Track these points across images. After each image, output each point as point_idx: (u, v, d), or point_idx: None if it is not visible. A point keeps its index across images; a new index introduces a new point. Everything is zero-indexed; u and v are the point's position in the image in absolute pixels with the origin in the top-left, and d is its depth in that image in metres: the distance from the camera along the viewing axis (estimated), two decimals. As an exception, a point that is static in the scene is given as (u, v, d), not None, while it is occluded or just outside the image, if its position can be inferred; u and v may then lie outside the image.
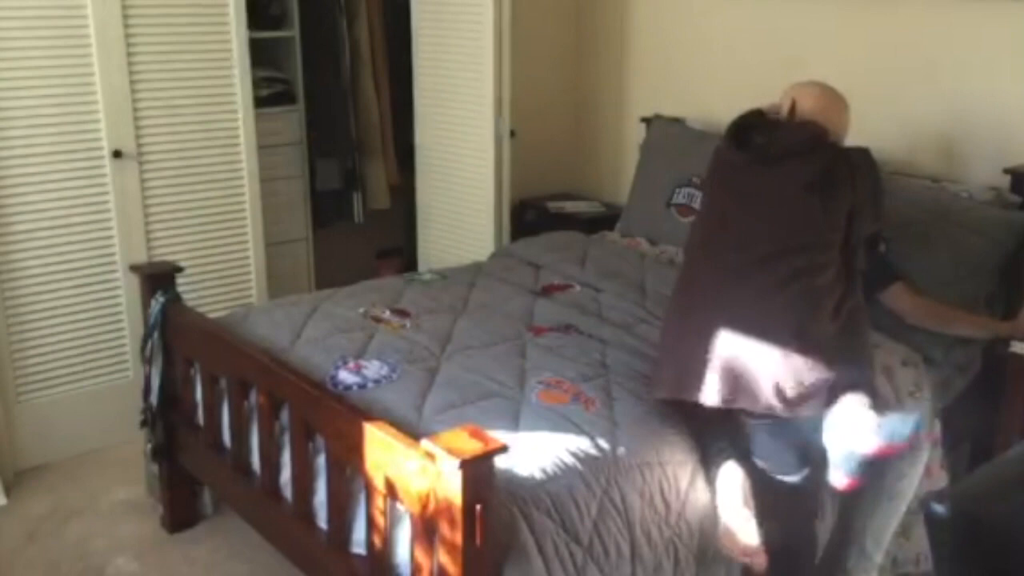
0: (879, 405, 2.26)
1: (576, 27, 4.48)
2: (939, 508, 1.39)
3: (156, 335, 2.76)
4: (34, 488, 3.18)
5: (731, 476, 2.19)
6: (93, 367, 3.36)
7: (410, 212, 4.35)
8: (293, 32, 4.09)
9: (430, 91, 4.03)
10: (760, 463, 2.23)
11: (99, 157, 3.26)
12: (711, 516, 2.24)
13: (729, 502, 2.17)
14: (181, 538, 2.92)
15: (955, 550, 1.40)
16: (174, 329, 2.75)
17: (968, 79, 3.16)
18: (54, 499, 3.11)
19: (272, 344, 2.65)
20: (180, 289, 2.86)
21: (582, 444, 2.13)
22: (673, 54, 4.08)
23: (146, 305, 2.80)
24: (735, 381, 2.17)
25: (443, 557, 1.79)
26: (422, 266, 4.19)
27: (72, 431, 3.34)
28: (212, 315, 3.00)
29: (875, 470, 2.39)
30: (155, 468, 2.96)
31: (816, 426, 2.21)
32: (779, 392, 2.14)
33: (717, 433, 2.27)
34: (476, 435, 1.77)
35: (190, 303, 2.93)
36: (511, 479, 1.98)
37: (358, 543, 2.11)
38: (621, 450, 2.15)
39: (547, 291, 3.15)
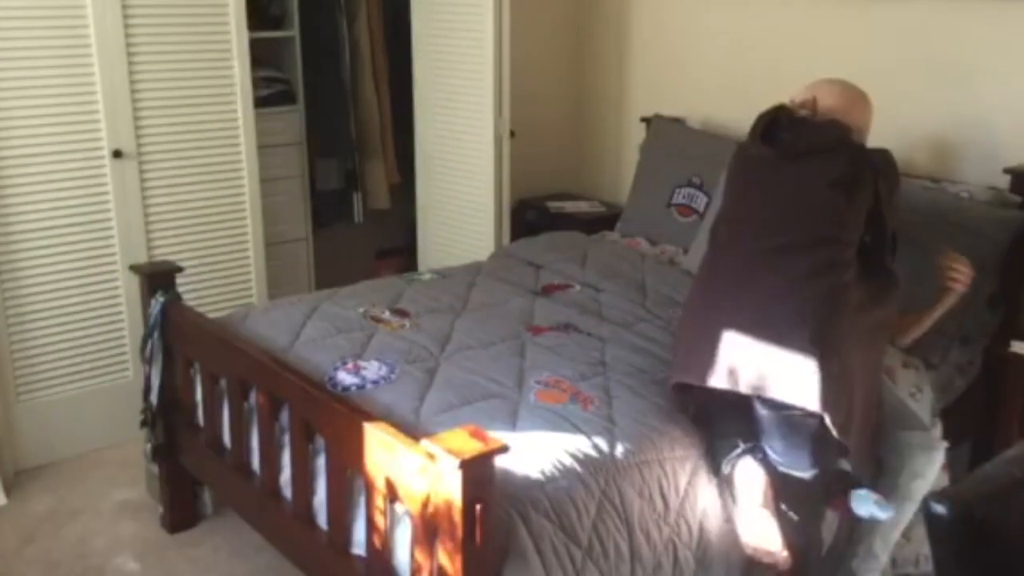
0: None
1: (576, 27, 4.48)
2: (939, 508, 1.39)
3: (156, 335, 2.77)
4: (34, 488, 3.18)
5: (750, 476, 2.18)
6: (93, 367, 3.36)
7: (410, 212, 4.35)
8: (293, 32, 4.09)
9: (430, 91, 4.03)
10: (774, 456, 2.22)
11: (99, 157, 3.26)
12: (711, 514, 2.24)
13: (748, 503, 2.16)
14: (181, 538, 2.92)
15: (955, 550, 1.40)
16: (174, 329, 2.75)
17: (968, 79, 3.16)
18: (54, 499, 3.11)
19: (271, 344, 2.65)
20: (180, 289, 2.86)
21: (580, 444, 2.13)
22: (673, 54, 4.08)
23: (146, 305, 2.80)
24: (763, 371, 2.16)
25: (443, 557, 1.79)
26: (422, 266, 4.19)
27: (72, 431, 3.34)
28: (212, 315, 3.00)
29: (888, 469, 2.41)
30: (155, 468, 2.96)
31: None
32: (802, 381, 2.13)
33: (728, 428, 2.26)
34: (476, 435, 1.77)
35: (190, 303, 2.93)
36: (509, 480, 1.98)
37: (358, 543, 2.11)
38: (619, 449, 2.15)
39: (547, 291, 3.15)
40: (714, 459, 2.26)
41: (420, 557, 1.87)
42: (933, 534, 1.42)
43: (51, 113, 3.14)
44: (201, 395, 2.70)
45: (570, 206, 4.31)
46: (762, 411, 2.20)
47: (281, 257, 4.12)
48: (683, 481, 2.20)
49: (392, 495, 1.93)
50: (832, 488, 2.26)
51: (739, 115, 2.57)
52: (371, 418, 2.02)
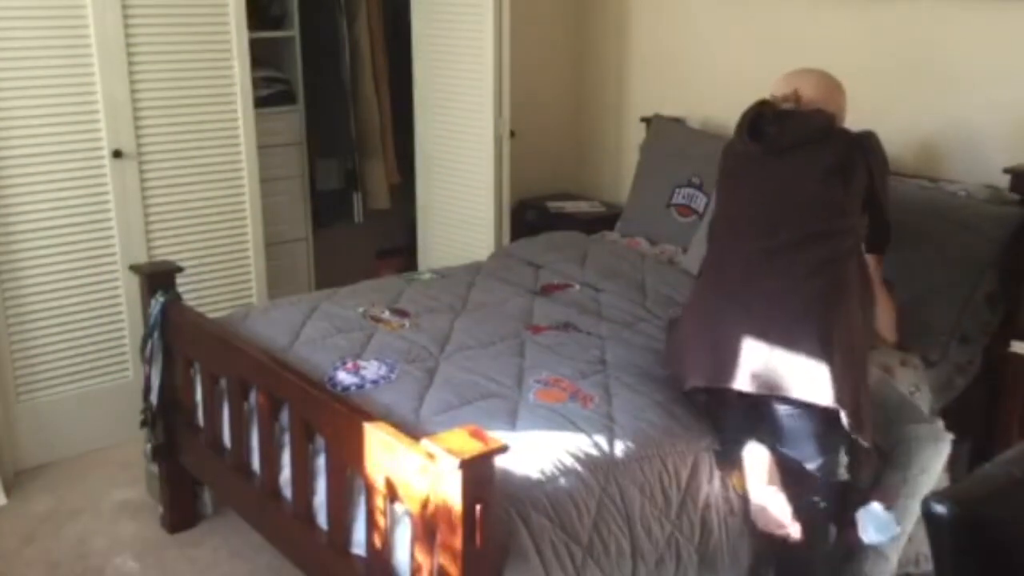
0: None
1: (576, 27, 4.48)
2: (939, 508, 1.39)
3: (156, 335, 2.77)
4: (34, 488, 3.18)
5: (755, 456, 2.21)
6: (93, 367, 3.36)
7: (410, 212, 4.35)
8: (293, 32, 4.09)
9: (430, 91, 4.03)
10: (784, 450, 2.23)
11: (99, 157, 3.26)
12: (713, 509, 2.24)
13: (755, 481, 2.19)
14: (181, 538, 2.92)
15: (955, 550, 1.40)
16: (174, 329, 2.75)
17: (967, 79, 3.16)
18: (54, 499, 3.11)
19: (271, 344, 2.65)
20: (180, 289, 2.86)
21: (580, 443, 2.13)
22: (673, 54, 4.09)
23: (146, 305, 2.80)
24: (773, 369, 2.16)
25: (443, 557, 1.79)
26: (422, 266, 4.19)
27: (72, 431, 3.34)
28: (212, 315, 3.00)
29: (896, 464, 2.41)
30: (155, 468, 2.96)
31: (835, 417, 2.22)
32: (818, 379, 2.14)
33: (734, 423, 2.27)
34: (476, 435, 1.77)
35: (190, 303, 2.93)
36: (509, 480, 1.98)
37: (358, 543, 2.11)
38: (619, 446, 2.15)
39: (547, 291, 3.16)
40: (721, 449, 2.27)
41: (420, 557, 1.87)
42: (933, 534, 1.42)
43: (51, 113, 3.14)
44: (201, 395, 2.70)
45: (570, 206, 4.31)
46: (778, 410, 2.21)
47: (281, 257, 4.12)
48: (684, 476, 2.21)
49: (392, 495, 1.93)
50: (841, 507, 2.27)
51: (739, 115, 2.57)
52: (371, 418, 2.02)
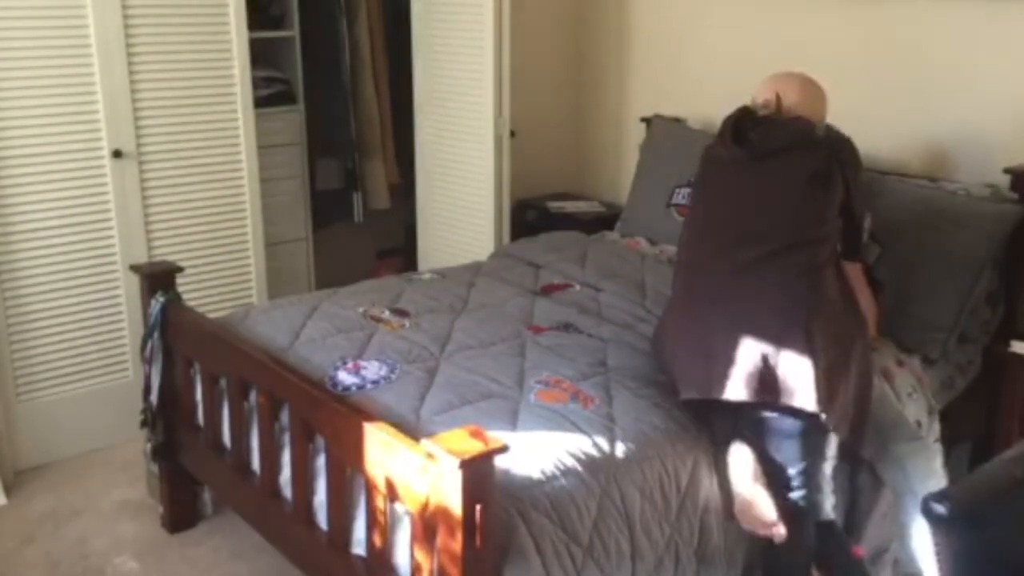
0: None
1: (576, 27, 4.48)
2: (939, 508, 1.39)
3: (156, 335, 2.76)
4: (34, 488, 3.18)
5: (739, 455, 2.22)
6: (93, 367, 3.36)
7: (410, 212, 4.35)
8: (293, 32, 4.09)
9: (430, 91, 4.03)
10: (772, 453, 2.24)
11: (99, 157, 3.26)
12: (712, 511, 2.24)
13: (740, 480, 2.20)
14: (181, 538, 2.92)
15: (955, 550, 1.40)
16: (174, 329, 2.75)
17: (966, 79, 3.16)
18: (54, 499, 3.11)
19: (271, 344, 2.65)
20: (180, 289, 2.86)
21: (581, 443, 2.13)
22: (673, 54, 4.08)
23: (146, 305, 2.80)
24: (761, 376, 2.18)
25: (443, 558, 1.79)
26: (422, 266, 4.19)
27: (72, 431, 3.34)
28: (212, 315, 3.00)
29: (900, 487, 2.43)
30: (155, 468, 2.96)
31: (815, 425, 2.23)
32: (804, 385, 2.16)
33: (725, 420, 2.28)
34: (476, 435, 1.77)
35: (190, 303, 2.93)
36: (509, 480, 1.98)
37: (358, 543, 2.11)
38: (620, 447, 2.15)
39: (547, 291, 3.16)
40: (714, 446, 2.28)
41: (420, 557, 1.87)
42: (933, 534, 1.43)
43: (51, 113, 3.14)
44: (201, 395, 2.70)
45: (570, 206, 4.31)
46: (763, 413, 2.22)
47: (281, 257, 4.12)
48: (684, 478, 2.21)
49: (392, 495, 1.93)
50: (822, 549, 2.29)
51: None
52: (371, 418, 2.02)
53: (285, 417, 2.32)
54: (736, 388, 2.20)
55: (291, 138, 4.15)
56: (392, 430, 1.95)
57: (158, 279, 2.82)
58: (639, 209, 3.84)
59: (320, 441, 2.19)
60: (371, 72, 4.37)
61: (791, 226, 2.30)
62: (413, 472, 1.85)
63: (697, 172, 2.56)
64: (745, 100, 2.61)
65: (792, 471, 2.23)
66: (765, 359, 2.18)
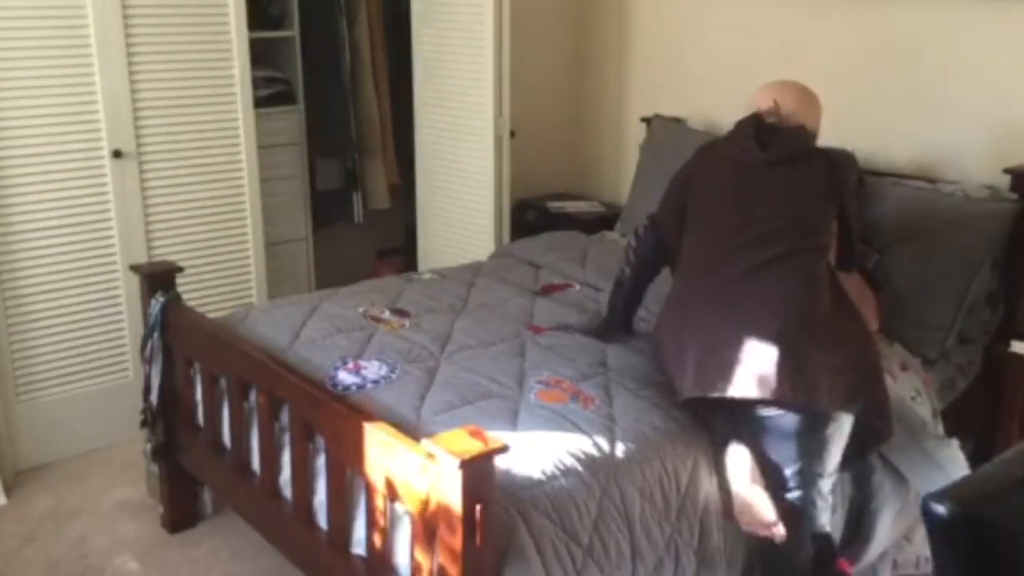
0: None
1: (576, 27, 4.48)
2: (939, 508, 1.39)
3: (156, 335, 2.76)
4: (34, 488, 3.18)
5: (737, 457, 2.22)
6: (93, 367, 3.36)
7: (410, 212, 4.35)
8: (293, 32, 4.09)
9: (430, 91, 4.03)
10: (770, 453, 2.24)
11: (99, 157, 3.26)
12: (712, 512, 2.24)
13: (739, 481, 2.20)
14: (181, 538, 2.92)
15: (955, 551, 1.40)
16: (174, 329, 2.75)
17: (966, 80, 3.15)
18: (54, 499, 3.11)
19: (271, 344, 2.65)
20: (180, 289, 2.85)
21: (581, 443, 2.13)
22: (673, 54, 4.08)
23: (146, 305, 2.80)
24: (769, 374, 2.18)
25: (443, 558, 1.79)
26: (422, 266, 4.19)
27: (72, 431, 3.34)
28: (212, 315, 3.00)
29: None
30: (155, 468, 2.96)
31: (820, 422, 2.24)
32: (812, 384, 2.18)
33: (724, 420, 2.28)
34: (476, 435, 1.77)
35: (190, 303, 2.93)
36: (509, 480, 1.98)
37: (358, 543, 2.11)
38: (620, 447, 2.15)
39: (547, 291, 3.16)
40: (714, 446, 2.28)
41: (420, 557, 1.87)
42: (933, 534, 1.43)
43: (51, 113, 3.14)
44: (201, 395, 2.70)
45: (570, 206, 4.31)
46: (760, 411, 2.22)
47: (281, 257, 4.12)
48: (684, 479, 2.21)
49: (392, 495, 1.93)
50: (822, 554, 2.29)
51: (739, 115, 2.57)
52: (371, 418, 2.02)
53: (285, 417, 2.32)
54: (747, 385, 2.19)
55: (291, 138, 4.15)
56: (392, 430, 1.95)
57: (158, 279, 2.82)
58: (639, 209, 3.83)
59: (320, 441, 2.19)
60: (371, 72, 4.37)
61: (799, 232, 2.33)
62: (413, 472, 1.85)
63: (698, 171, 2.55)
64: (745, 100, 2.61)
65: (789, 471, 2.23)
66: (773, 357, 2.18)
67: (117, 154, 3.28)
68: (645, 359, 2.57)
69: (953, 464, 2.50)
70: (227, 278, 3.65)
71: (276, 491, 2.38)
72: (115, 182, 3.30)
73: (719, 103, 3.85)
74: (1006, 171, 2.99)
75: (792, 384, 2.16)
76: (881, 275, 2.86)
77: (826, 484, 2.25)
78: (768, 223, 2.34)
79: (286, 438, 2.32)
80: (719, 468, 2.26)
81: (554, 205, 4.31)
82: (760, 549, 2.29)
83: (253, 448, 2.47)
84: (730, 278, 2.32)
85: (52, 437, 3.30)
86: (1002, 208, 2.88)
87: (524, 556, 1.89)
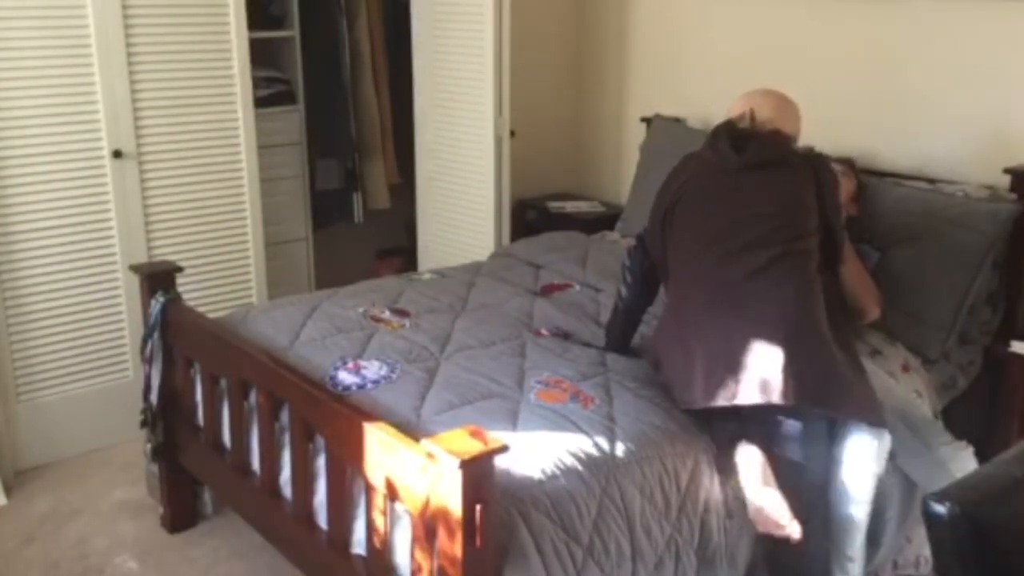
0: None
1: (576, 27, 4.48)
2: (939, 508, 1.39)
3: (156, 335, 2.76)
4: (34, 488, 3.18)
5: (748, 458, 2.22)
6: (93, 367, 3.36)
7: (410, 212, 4.35)
8: (293, 32, 4.09)
9: (430, 91, 4.03)
10: (778, 451, 2.24)
11: (99, 157, 3.26)
12: (712, 511, 2.24)
13: (752, 483, 2.20)
14: (181, 538, 2.92)
15: (955, 550, 1.40)
16: (174, 329, 2.75)
17: (966, 81, 3.15)
18: (54, 499, 3.11)
19: (271, 344, 2.65)
20: (180, 289, 2.85)
21: (581, 443, 2.13)
22: (673, 54, 4.08)
23: (146, 305, 2.80)
24: (777, 380, 2.18)
25: (443, 557, 1.79)
26: (422, 266, 4.19)
27: (72, 431, 3.34)
28: (212, 315, 3.00)
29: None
30: (155, 468, 2.96)
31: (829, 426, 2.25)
32: (818, 387, 2.19)
33: (730, 422, 2.28)
34: (476, 435, 1.77)
35: (190, 303, 2.93)
36: (509, 480, 1.98)
37: (358, 543, 2.11)
38: (620, 447, 2.15)
39: (547, 291, 3.16)
40: (718, 454, 2.28)
41: (420, 557, 1.87)
42: (933, 534, 1.43)
43: (51, 113, 3.14)
44: (201, 395, 2.70)
45: (570, 206, 4.31)
46: (777, 418, 2.23)
47: (281, 257, 4.12)
48: (684, 478, 2.20)
49: (392, 495, 1.93)
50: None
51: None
52: (371, 418, 2.02)
53: (285, 417, 2.32)
54: (756, 392, 2.19)
55: (291, 138, 4.15)
56: (392, 430, 1.95)
57: (158, 279, 2.81)
58: (639, 209, 3.83)
59: (320, 441, 2.19)
60: (371, 72, 4.38)
61: (790, 234, 2.34)
62: (413, 472, 1.85)
63: (682, 182, 2.53)
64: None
65: (807, 471, 2.22)
66: (780, 361, 2.18)
67: (117, 154, 3.28)
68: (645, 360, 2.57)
69: (961, 471, 2.49)
70: (227, 278, 3.65)
71: (276, 491, 2.38)
72: (115, 182, 3.30)
73: (719, 103, 3.83)
74: (1006, 171, 2.99)
75: (797, 388, 2.16)
76: (881, 275, 2.86)
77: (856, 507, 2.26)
78: (758, 227, 2.34)
79: (286, 438, 2.32)
80: (721, 468, 2.26)
81: (554, 205, 4.31)
82: (766, 551, 2.28)
83: (253, 448, 2.47)
84: (729, 284, 2.32)
85: (52, 437, 3.30)
86: (1002, 208, 2.88)
87: (524, 556, 1.89)
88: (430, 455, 1.78)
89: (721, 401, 2.22)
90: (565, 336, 2.76)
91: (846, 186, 2.89)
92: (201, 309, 3.06)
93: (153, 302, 2.77)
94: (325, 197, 4.38)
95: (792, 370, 2.16)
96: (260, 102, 3.78)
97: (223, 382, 2.57)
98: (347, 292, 3.10)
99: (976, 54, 3.12)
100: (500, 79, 3.70)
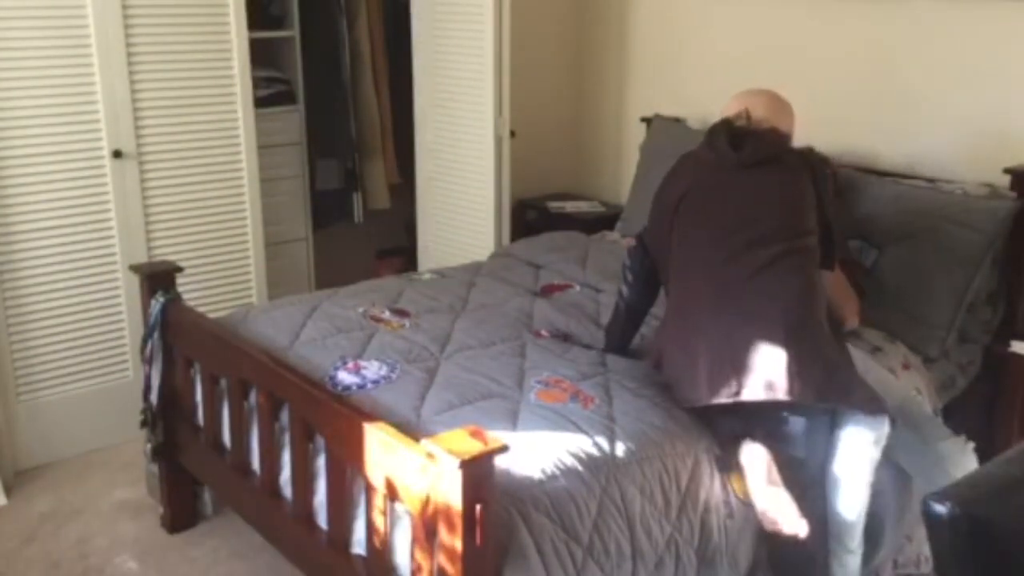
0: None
1: (576, 27, 4.48)
2: (939, 508, 1.39)
3: (156, 335, 2.76)
4: (34, 488, 3.18)
5: (753, 457, 2.22)
6: (93, 367, 3.36)
7: (410, 212, 4.35)
8: (293, 32, 4.09)
9: (430, 91, 4.03)
10: (783, 448, 2.24)
11: (99, 157, 3.26)
12: (712, 511, 2.24)
13: (757, 482, 2.21)
14: (181, 538, 2.92)
15: (955, 550, 1.40)
16: (174, 329, 2.75)
17: (966, 80, 3.15)
18: (54, 499, 3.11)
19: (271, 344, 2.65)
20: (180, 289, 2.85)
21: (581, 443, 2.13)
22: (673, 54, 4.08)
23: (146, 305, 2.80)
24: (781, 376, 2.18)
25: (443, 557, 1.79)
26: (422, 266, 4.19)
27: (72, 431, 3.34)
28: (212, 315, 3.00)
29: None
30: (155, 468, 2.96)
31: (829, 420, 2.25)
32: (820, 381, 2.19)
33: (732, 420, 2.28)
34: (476, 435, 1.77)
35: (190, 303, 2.93)
36: (509, 480, 1.98)
37: (358, 543, 2.11)
38: (620, 447, 2.15)
39: (547, 291, 3.16)
40: (720, 453, 2.28)
41: (420, 557, 1.87)
42: (933, 534, 1.43)
43: (51, 113, 3.14)
44: (201, 395, 2.70)
45: (570, 206, 4.31)
46: (782, 414, 2.23)
47: (281, 257, 4.13)
48: (684, 478, 2.20)
49: (392, 495, 1.93)
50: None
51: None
52: (371, 418, 2.02)
53: (285, 417, 2.32)
54: (760, 388, 2.19)
55: (291, 138, 4.15)
56: (392, 430, 1.95)
57: (158, 279, 2.81)
58: (639, 209, 3.83)
59: (320, 441, 2.19)
60: (371, 72, 4.38)
61: (791, 232, 2.34)
62: (413, 472, 1.85)
63: (680, 182, 2.54)
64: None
65: (809, 466, 2.23)
66: (783, 358, 2.18)
67: (117, 154, 3.28)
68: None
69: (959, 469, 2.49)
70: (227, 278, 3.65)
71: (276, 491, 2.38)
72: (115, 182, 3.30)
73: (719, 103, 3.82)
74: (1006, 171, 2.99)
75: (802, 383, 2.16)
76: (871, 280, 2.87)
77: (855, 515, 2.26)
78: (760, 224, 2.34)
79: (286, 438, 2.32)
80: (723, 467, 2.26)
81: (554, 205, 4.31)
82: (769, 550, 2.28)
83: (253, 448, 2.47)
84: (732, 282, 2.31)
85: (52, 437, 3.30)
86: (1002, 206, 2.88)
87: (524, 556, 1.89)
88: (430, 455, 1.78)
89: (725, 398, 2.22)
90: (565, 338, 2.76)
91: None
92: (201, 309, 3.06)
93: (153, 302, 2.77)
94: (325, 197, 4.38)
95: (796, 366, 2.16)
96: (260, 102, 3.78)
97: (223, 382, 2.57)
98: (347, 292, 3.10)
99: (976, 54, 3.12)
100: (500, 79, 3.70)
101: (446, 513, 1.76)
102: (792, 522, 2.18)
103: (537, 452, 2.08)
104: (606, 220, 4.07)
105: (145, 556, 2.83)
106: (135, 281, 2.94)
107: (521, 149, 3.99)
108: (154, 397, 2.81)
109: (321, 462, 2.20)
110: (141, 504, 3.08)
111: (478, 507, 1.73)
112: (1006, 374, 2.96)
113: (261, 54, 3.85)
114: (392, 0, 4.40)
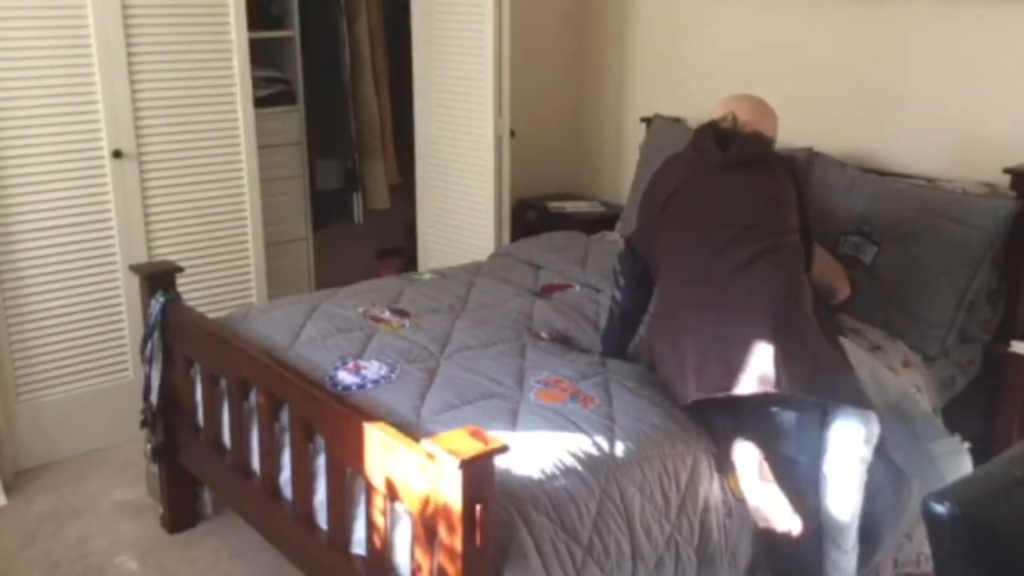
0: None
1: (576, 27, 4.48)
2: (939, 508, 1.39)
3: (156, 335, 2.77)
4: (34, 488, 3.18)
5: (745, 455, 2.23)
6: (93, 367, 3.36)
7: (410, 212, 4.35)
8: (293, 32, 4.09)
9: (430, 91, 4.03)
10: (774, 445, 2.24)
11: (99, 157, 3.26)
12: (712, 510, 2.24)
13: (749, 479, 2.21)
14: (181, 538, 2.92)
15: (955, 550, 1.41)
16: (174, 329, 2.75)
17: (966, 80, 3.16)
18: (54, 499, 3.11)
19: (271, 344, 2.65)
20: (180, 289, 2.86)
21: (581, 443, 2.13)
22: (673, 54, 4.09)
23: (146, 305, 2.80)
24: (768, 370, 2.18)
25: (443, 557, 1.79)
26: (422, 266, 4.19)
27: (72, 431, 3.34)
28: (212, 315, 3.00)
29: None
30: (155, 468, 2.96)
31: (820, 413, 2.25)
32: (807, 375, 2.19)
33: (724, 418, 2.28)
34: (476, 435, 1.77)
35: (190, 303, 2.93)
36: (509, 480, 1.98)
37: (358, 543, 2.11)
38: (620, 446, 2.15)
39: (547, 291, 3.16)
40: (717, 452, 2.28)
41: (420, 557, 1.87)
42: (933, 534, 1.43)
43: (51, 113, 3.14)
44: (201, 395, 2.70)
45: (570, 206, 4.31)
46: (764, 406, 2.22)
47: (281, 257, 4.13)
48: (684, 477, 2.21)
49: (392, 495, 1.93)
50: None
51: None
52: (371, 418, 2.02)
53: (285, 417, 2.32)
54: (748, 382, 2.19)
55: (291, 138, 4.15)
56: (392, 430, 1.95)
57: (158, 279, 2.82)
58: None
59: (320, 441, 2.19)
60: (371, 72, 4.37)
61: (773, 228, 2.39)
62: (413, 472, 1.85)
63: (667, 182, 2.55)
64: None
65: (801, 464, 2.23)
66: (769, 352, 2.19)
67: (117, 154, 3.28)
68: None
69: (952, 469, 2.49)
70: (227, 278, 3.65)
71: (276, 491, 2.38)
72: (115, 182, 3.30)
73: (719, 103, 3.85)
74: (1006, 171, 2.99)
75: (789, 376, 2.16)
76: (868, 276, 2.88)
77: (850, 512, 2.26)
78: (744, 222, 2.38)
79: (286, 438, 2.32)
80: (721, 466, 2.27)
81: (554, 205, 4.31)
82: (767, 549, 2.29)
83: (253, 448, 2.47)
84: (718, 278, 2.33)
85: (52, 437, 3.31)
86: (1002, 205, 2.88)
87: (524, 556, 1.89)
88: (430, 455, 1.78)
89: (714, 392, 2.23)
90: (564, 341, 2.77)
91: None
92: (201, 309, 3.06)
93: (153, 302, 2.77)
94: (325, 197, 4.38)
95: (784, 359, 2.17)
96: (260, 102, 3.78)
97: (223, 382, 2.57)
98: (347, 292, 3.10)
99: (975, 54, 3.12)
100: (500, 79, 3.70)
101: (446, 513, 1.76)
102: (785, 519, 2.18)
103: (537, 452, 2.08)
104: (606, 220, 4.08)
105: (145, 556, 2.83)
106: (135, 281, 2.94)
107: (521, 149, 3.99)
108: (154, 397, 2.81)
109: (321, 462, 2.20)
110: (141, 504, 3.08)
111: (478, 507, 1.73)
112: (1006, 374, 2.96)
113: (261, 54, 3.85)
114: (392, 0, 4.40)
